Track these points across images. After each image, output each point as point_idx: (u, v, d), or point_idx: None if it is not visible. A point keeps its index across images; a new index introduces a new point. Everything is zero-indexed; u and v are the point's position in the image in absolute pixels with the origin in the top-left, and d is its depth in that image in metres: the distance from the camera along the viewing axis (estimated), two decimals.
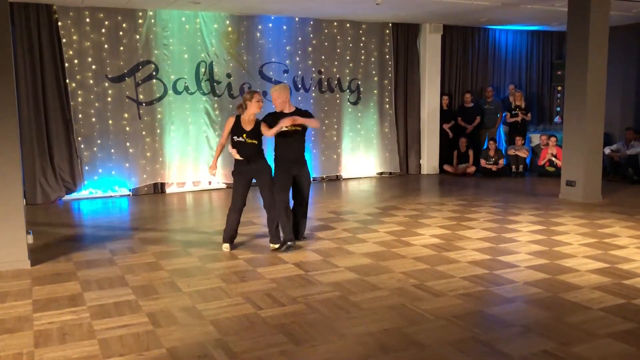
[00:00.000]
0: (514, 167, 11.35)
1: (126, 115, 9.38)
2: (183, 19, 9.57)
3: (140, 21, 9.28)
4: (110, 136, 9.33)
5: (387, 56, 11.29)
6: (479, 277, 5.03)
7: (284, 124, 5.76)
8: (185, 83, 9.69)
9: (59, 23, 8.78)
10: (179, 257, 5.76)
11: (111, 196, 9.46)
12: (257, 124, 5.84)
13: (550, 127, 12.41)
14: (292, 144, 6.01)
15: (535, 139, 11.96)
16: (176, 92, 9.63)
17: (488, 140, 11.59)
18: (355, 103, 11.19)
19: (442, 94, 11.81)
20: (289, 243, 5.92)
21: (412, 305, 4.36)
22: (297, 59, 10.55)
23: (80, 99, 9.08)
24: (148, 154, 9.46)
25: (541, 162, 11.28)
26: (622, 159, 10.73)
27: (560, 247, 5.97)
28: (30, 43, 8.60)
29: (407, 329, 3.92)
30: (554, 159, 11.05)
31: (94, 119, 9.19)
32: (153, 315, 4.20)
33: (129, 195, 9.55)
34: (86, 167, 9.22)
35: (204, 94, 9.84)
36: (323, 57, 10.74)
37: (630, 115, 11.81)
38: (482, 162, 11.38)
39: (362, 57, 11.11)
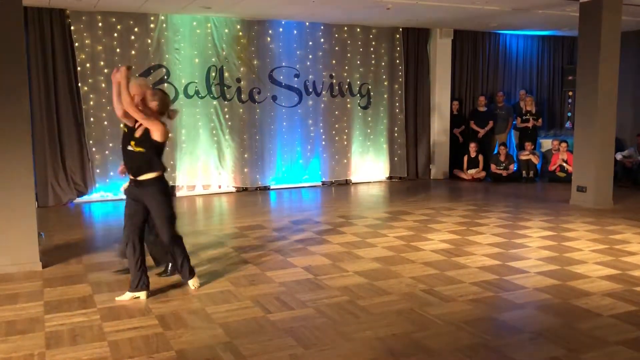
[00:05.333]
0: (524, 172, 11.29)
1: None
2: (194, 23, 9.63)
3: (152, 25, 9.35)
4: (121, 139, 9.37)
5: (398, 61, 11.28)
6: (488, 282, 5.01)
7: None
8: (196, 87, 9.74)
9: (72, 27, 8.85)
10: None
11: (122, 199, 9.48)
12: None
13: (561, 132, 12.35)
14: None
15: (546, 144, 11.90)
16: (187, 96, 9.68)
17: (498, 145, 11.56)
18: (365, 107, 11.20)
19: (452, 99, 11.79)
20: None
21: (421, 310, 4.35)
22: (308, 63, 10.57)
23: (92, 103, 9.15)
24: None
25: (552, 168, 11.22)
26: (634, 165, 10.66)
27: (571, 253, 5.94)
28: (43, 47, 8.69)
29: (415, 334, 3.91)
30: (564, 164, 10.99)
31: (105, 123, 9.25)
32: (163, 318, 4.22)
33: None
34: (97, 170, 9.28)
35: (214, 98, 9.88)
36: (334, 61, 10.76)
37: None
38: (493, 167, 11.34)
39: (373, 62, 11.11)
